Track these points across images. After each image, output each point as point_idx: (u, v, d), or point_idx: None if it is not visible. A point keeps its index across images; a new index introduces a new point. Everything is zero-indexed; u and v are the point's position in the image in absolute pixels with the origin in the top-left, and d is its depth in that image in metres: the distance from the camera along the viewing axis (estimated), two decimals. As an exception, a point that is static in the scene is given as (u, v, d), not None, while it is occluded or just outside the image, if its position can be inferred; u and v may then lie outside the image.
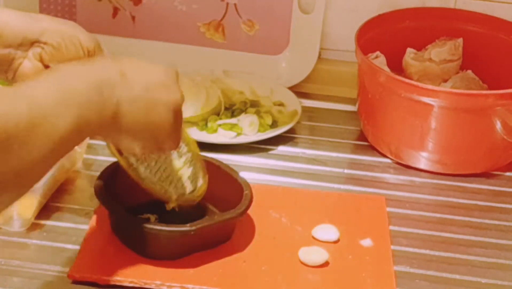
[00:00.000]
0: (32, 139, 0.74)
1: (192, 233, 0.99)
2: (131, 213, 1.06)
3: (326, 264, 1.03)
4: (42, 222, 1.07)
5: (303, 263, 1.03)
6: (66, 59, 0.93)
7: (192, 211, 1.06)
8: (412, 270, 1.04)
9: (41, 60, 0.93)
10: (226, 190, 1.07)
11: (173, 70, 0.94)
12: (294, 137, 1.30)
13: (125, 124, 0.86)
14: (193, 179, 1.02)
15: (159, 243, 1.01)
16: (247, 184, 1.06)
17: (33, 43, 0.92)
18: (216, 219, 1.03)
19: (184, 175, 1.02)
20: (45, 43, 0.92)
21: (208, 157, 1.10)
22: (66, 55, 0.93)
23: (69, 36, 0.93)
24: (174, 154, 1.01)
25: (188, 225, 0.99)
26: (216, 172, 1.06)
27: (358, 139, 1.31)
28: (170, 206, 1.08)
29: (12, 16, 0.92)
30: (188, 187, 1.02)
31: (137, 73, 0.88)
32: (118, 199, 1.02)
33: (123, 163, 0.99)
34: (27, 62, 0.93)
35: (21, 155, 0.73)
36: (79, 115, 0.78)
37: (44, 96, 0.76)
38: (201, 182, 1.03)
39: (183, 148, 1.01)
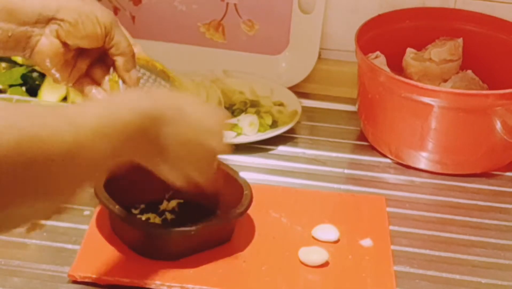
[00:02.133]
0: (70, 162, 0.73)
1: (192, 233, 0.99)
2: (131, 213, 1.07)
3: (326, 264, 1.03)
4: (42, 222, 1.07)
5: (303, 263, 1.03)
6: (83, 35, 0.93)
7: (192, 211, 1.06)
8: (412, 270, 1.04)
9: (58, 37, 0.93)
10: (226, 190, 1.07)
11: (222, 111, 0.96)
12: (294, 137, 1.30)
13: (165, 157, 0.86)
14: None
15: (159, 243, 1.01)
16: (247, 184, 1.06)
17: (49, 20, 0.92)
18: (216, 219, 1.03)
19: None
20: (61, 20, 0.92)
21: None
22: (83, 31, 0.93)
23: (86, 13, 0.93)
24: None
25: (188, 225, 0.99)
26: (216, 172, 1.06)
27: (358, 139, 1.31)
28: (170, 205, 1.08)
29: None
30: None
31: (190, 110, 0.88)
32: (118, 199, 1.02)
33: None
34: (44, 40, 0.93)
35: (59, 174, 0.73)
36: (116, 147, 0.78)
37: (87, 124, 0.76)
38: None
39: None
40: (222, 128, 0.92)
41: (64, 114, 0.75)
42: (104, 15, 0.94)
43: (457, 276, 1.04)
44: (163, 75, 1.02)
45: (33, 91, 1.28)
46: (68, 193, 0.77)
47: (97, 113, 0.78)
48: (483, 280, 1.04)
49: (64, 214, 1.08)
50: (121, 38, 0.96)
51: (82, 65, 0.97)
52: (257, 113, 1.29)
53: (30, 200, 0.72)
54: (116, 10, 1.43)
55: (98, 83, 0.99)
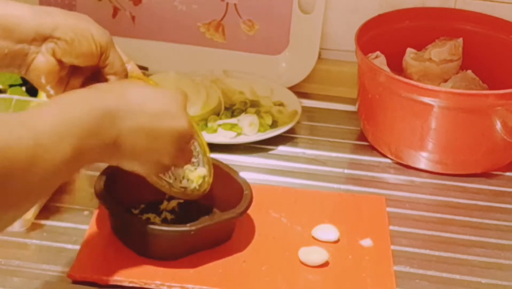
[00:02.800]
0: (32, 169, 0.74)
1: (192, 233, 0.99)
2: (131, 213, 1.07)
3: (326, 264, 1.03)
4: (42, 222, 1.07)
5: (303, 263, 1.03)
6: (78, 53, 0.93)
7: (192, 211, 1.06)
8: (412, 270, 1.04)
9: (54, 55, 0.93)
10: (226, 190, 1.07)
11: (182, 95, 0.94)
12: (294, 137, 1.30)
13: (126, 152, 0.87)
14: (198, 175, 1.03)
15: (159, 243, 1.01)
16: (247, 184, 1.06)
17: (46, 38, 0.92)
18: (216, 219, 1.03)
19: (190, 171, 1.02)
20: (58, 38, 0.92)
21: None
22: (79, 50, 0.93)
23: (82, 31, 0.93)
24: None
25: (188, 225, 0.99)
26: (216, 172, 1.06)
27: (358, 139, 1.31)
28: (170, 205, 1.08)
29: (24, 11, 0.91)
30: (193, 184, 1.02)
31: (141, 100, 0.88)
32: (118, 199, 1.02)
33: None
34: (41, 57, 0.93)
35: (20, 182, 0.73)
36: (79, 145, 0.79)
37: (45, 127, 0.76)
38: (206, 177, 1.03)
39: (196, 146, 1.02)
40: (178, 108, 0.92)
41: (21, 120, 0.76)
42: (100, 34, 0.94)
43: (457, 276, 1.04)
44: None
45: (33, 91, 1.28)
46: (32, 201, 0.78)
47: (53, 115, 0.78)
48: (483, 280, 1.04)
49: (64, 214, 1.09)
50: (116, 58, 0.96)
51: (75, 82, 0.97)
52: (257, 113, 1.29)
53: None
54: (116, 10, 1.43)
55: None
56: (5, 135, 0.72)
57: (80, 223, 1.07)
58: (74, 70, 0.96)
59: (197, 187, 1.02)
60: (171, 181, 1.00)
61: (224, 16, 1.41)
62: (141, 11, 1.43)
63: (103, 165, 1.08)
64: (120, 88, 0.91)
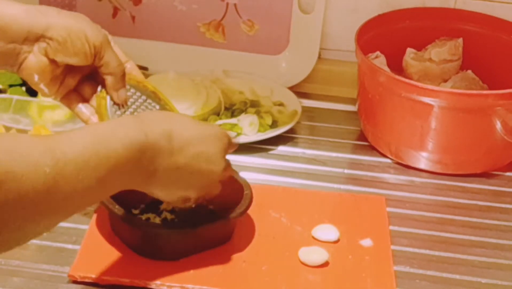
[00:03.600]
0: (50, 196, 0.72)
1: (192, 233, 0.99)
2: (131, 213, 1.06)
3: (326, 264, 1.03)
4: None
5: (303, 263, 1.03)
6: (71, 54, 0.93)
7: (192, 211, 1.06)
8: (412, 270, 1.04)
9: (46, 54, 0.93)
10: (226, 190, 1.06)
11: (225, 138, 0.94)
12: (294, 137, 1.30)
13: (157, 184, 0.87)
14: None
15: (159, 243, 1.01)
16: (247, 184, 1.06)
17: (38, 38, 0.92)
18: (216, 219, 1.03)
19: None
20: (50, 38, 0.92)
21: None
22: (71, 50, 0.93)
23: (75, 31, 0.92)
24: None
25: (188, 225, 0.99)
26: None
27: (358, 139, 1.31)
28: (170, 205, 1.08)
29: (17, 10, 0.91)
30: None
31: (185, 142, 0.88)
32: (118, 199, 1.02)
33: None
34: (32, 57, 0.93)
35: (32, 208, 0.72)
36: (104, 180, 0.78)
37: (72, 157, 0.74)
38: None
39: None
40: (218, 152, 0.92)
41: (47, 146, 0.73)
42: (94, 34, 0.93)
43: (457, 276, 1.04)
44: (154, 97, 1.01)
45: (33, 91, 1.28)
46: (49, 225, 0.76)
47: (84, 143, 0.76)
48: (483, 280, 1.04)
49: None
50: (112, 57, 0.96)
51: (71, 81, 0.97)
52: (257, 113, 1.29)
53: (5, 234, 0.72)
54: (116, 10, 1.43)
55: (86, 99, 0.99)
56: (25, 162, 0.70)
57: (80, 223, 1.07)
58: (69, 69, 0.96)
59: None
60: None
61: (224, 16, 1.41)
62: (141, 11, 1.43)
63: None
64: (165, 123, 0.88)
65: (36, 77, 0.94)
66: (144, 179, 0.85)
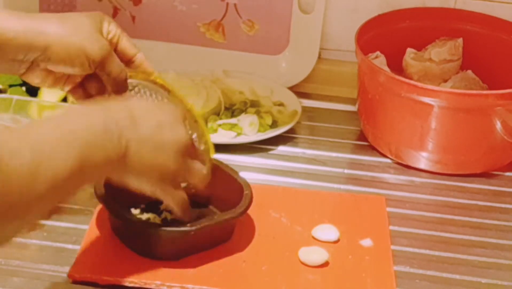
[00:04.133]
0: (32, 180, 0.74)
1: (192, 233, 0.99)
2: (131, 213, 1.06)
3: (326, 264, 1.03)
4: (42, 222, 1.07)
5: (303, 263, 1.03)
6: (71, 70, 0.93)
7: (192, 211, 1.05)
8: (412, 270, 1.04)
9: (45, 67, 0.93)
10: (226, 190, 1.07)
11: (179, 108, 0.96)
12: (294, 137, 1.30)
13: (132, 165, 0.87)
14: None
15: (159, 243, 1.01)
16: (247, 184, 1.06)
17: (37, 57, 0.92)
18: (216, 219, 1.03)
19: None
20: (49, 58, 0.91)
21: None
22: (71, 67, 0.93)
23: (75, 50, 0.92)
24: None
25: (188, 225, 0.99)
26: (216, 172, 1.06)
27: (358, 139, 1.31)
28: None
29: (16, 30, 0.89)
30: None
31: (144, 114, 0.89)
32: (118, 199, 1.02)
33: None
34: (30, 72, 0.94)
35: (21, 195, 0.73)
36: (80, 156, 0.79)
37: (45, 139, 0.77)
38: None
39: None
40: (176, 120, 0.92)
41: (19, 134, 0.76)
42: (94, 50, 0.93)
43: (457, 276, 1.04)
44: (163, 90, 1.01)
45: (33, 91, 1.28)
46: (35, 213, 0.77)
47: (53, 128, 0.79)
48: (483, 280, 1.04)
49: (64, 214, 1.09)
50: (113, 66, 0.96)
51: (76, 77, 0.97)
52: (257, 113, 1.29)
53: None
54: (116, 10, 1.43)
55: (91, 94, 0.99)
56: (8, 148, 0.72)
57: (80, 223, 1.07)
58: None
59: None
60: None
61: (224, 16, 1.41)
62: (141, 11, 1.43)
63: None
64: (122, 103, 0.91)
65: (38, 82, 0.95)
66: (119, 159, 0.85)
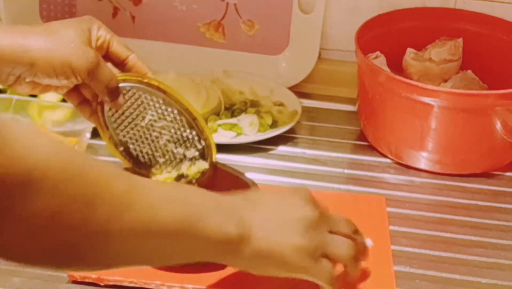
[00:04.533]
0: (120, 210, 0.69)
1: None
2: None
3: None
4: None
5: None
6: (58, 85, 0.93)
7: None
8: (412, 270, 1.04)
9: (32, 82, 0.92)
10: (228, 189, 1.05)
11: (305, 189, 0.90)
12: (294, 137, 1.30)
13: (259, 248, 0.82)
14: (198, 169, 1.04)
15: None
16: (253, 182, 1.05)
17: (22, 73, 0.91)
18: None
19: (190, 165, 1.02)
20: (35, 74, 0.91)
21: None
22: (57, 82, 0.92)
23: (61, 65, 0.90)
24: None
25: None
26: (220, 172, 1.05)
27: (358, 139, 1.31)
28: None
29: (1, 41, 0.88)
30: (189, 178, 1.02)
31: (273, 209, 0.85)
32: None
33: (121, 159, 1.00)
34: (18, 85, 0.93)
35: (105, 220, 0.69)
36: (190, 220, 0.75)
37: (153, 188, 0.74)
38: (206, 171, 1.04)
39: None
40: (306, 198, 0.89)
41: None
42: (80, 63, 0.91)
43: (457, 276, 1.04)
44: (158, 92, 1.01)
45: (33, 91, 1.28)
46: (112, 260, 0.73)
47: (173, 186, 0.79)
48: (483, 280, 1.04)
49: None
50: (102, 76, 0.94)
51: (66, 86, 0.96)
52: (257, 113, 1.29)
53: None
54: (116, 10, 1.43)
55: (86, 98, 0.99)
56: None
57: (80, 223, 1.07)
58: None
59: (194, 181, 1.02)
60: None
61: (224, 16, 1.41)
62: (141, 11, 1.43)
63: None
64: (250, 201, 0.85)
65: (27, 91, 0.95)
66: (239, 239, 0.80)
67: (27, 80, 0.92)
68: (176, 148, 1.03)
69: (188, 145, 1.03)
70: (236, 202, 0.82)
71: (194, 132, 1.02)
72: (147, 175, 1.02)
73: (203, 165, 1.03)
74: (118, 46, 0.97)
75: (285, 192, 0.90)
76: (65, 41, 0.91)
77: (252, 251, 0.81)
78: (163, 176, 1.03)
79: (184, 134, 1.03)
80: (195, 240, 0.76)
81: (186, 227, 0.74)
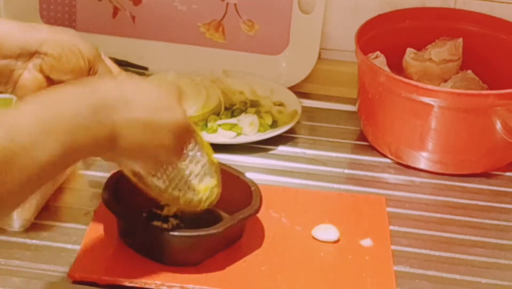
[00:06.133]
0: (10, 168, 0.72)
1: (219, 234, 0.98)
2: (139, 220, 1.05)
3: (326, 261, 1.03)
4: (42, 222, 1.07)
5: (303, 262, 1.03)
6: (66, 69, 0.92)
7: (198, 214, 1.04)
8: (412, 270, 1.04)
9: (41, 71, 0.92)
10: (230, 190, 1.05)
11: (175, 88, 0.92)
12: (294, 137, 1.30)
13: (123, 146, 0.84)
14: (204, 184, 1.00)
15: (183, 248, 1.00)
16: (252, 181, 1.05)
17: (32, 54, 0.91)
18: (237, 218, 1.01)
19: (195, 181, 0.99)
20: (45, 53, 0.91)
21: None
22: (66, 65, 0.92)
23: (69, 46, 0.91)
24: (186, 160, 0.98)
25: (212, 227, 0.98)
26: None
27: (358, 139, 1.31)
28: (171, 209, 1.07)
29: (10, 26, 0.90)
30: (199, 194, 0.99)
31: (136, 93, 0.86)
32: (127, 206, 1.01)
33: (127, 173, 0.97)
34: (27, 74, 0.92)
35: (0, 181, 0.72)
36: (65, 141, 0.77)
37: (24, 124, 0.75)
38: (215, 188, 1.00)
39: (196, 152, 0.98)
40: (174, 100, 0.89)
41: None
42: (87, 48, 0.92)
43: (457, 276, 1.04)
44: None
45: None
46: (20, 197, 0.76)
47: (36, 113, 0.77)
48: (483, 280, 1.04)
49: (64, 214, 1.09)
50: (105, 72, 0.94)
51: None
52: (257, 113, 1.29)
53: None
54: (116, 10, 1.43)
55: None
56: None
57: (80, 223, 1.07)
58: None
59: (204, 198, 0.99)
60: (163, 187, 0.97)
61: (224, 16, 1.41)
62: (141, 11, 1.43)
63: (103, 166, 1.08)
64: (113, 81, 0.89)
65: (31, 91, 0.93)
66: (107, 140, 0.82)
67: (35, 66, 0.91)
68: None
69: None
70: (110, 104, 0.83)
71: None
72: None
73: (212, 182, 1.01)
74: (109, 63, 0.97)
75: (156, 91, 0.89)
76: (71, 32, 0.94)
77: (118, 148, 0.84)
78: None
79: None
80: (71, 157, 0.80)
81: (62, 153, 0.77)
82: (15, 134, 0.73)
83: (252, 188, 1.04)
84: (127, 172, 0.95)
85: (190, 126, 0.93)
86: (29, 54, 0.91)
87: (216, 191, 1.00)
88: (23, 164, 0.73)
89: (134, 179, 0.96)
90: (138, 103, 0.85)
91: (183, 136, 0.92)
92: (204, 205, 1.00)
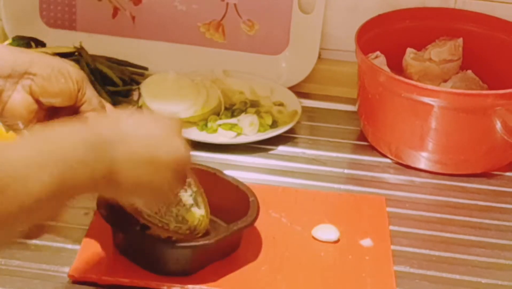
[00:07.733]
0: (4, 197, 0.71)
1: (212, 245, 0.97)
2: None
3: (326, 261, 1.03)
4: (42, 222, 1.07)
5: (303, 262, 1.03)
6: (56, 90, 0.91)
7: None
8: (412, 270, 1.04)
9: (31, 92, 0.91)
10: (228, 200, 1.05)
11: (174, 120, 0.91)
12: (294, 137, 1.30)
13: (122, 182, 0.83)
14: (193, 212, 0.98)
15: (178, 258, 0.99)
16: (251, 191, 1.05)
17: (22, 75, 0.90)
18: (232, 229, 1.00)
19: (184, 209, 0.97)
20: (34, 74, 0.90)
21: (204, 166, 1.08)
22: (56, 86, 0.91)
23: (58, 67, 0.91)
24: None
25: (206, 238, 0.97)
26: (216, 183, 1.05)
27: (358, 139, 1.31)
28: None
29: (0, 48, 0.91)
30: (189, 221, 0.97)
31: (135, 129, 0.85)
32: (121, 215, 1.00)
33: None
34: (17, 95, 0.90)
35: None
36: (60, 175, 0.75)
37: (18, 156, 0.74)
38: (202, 215, 0.98)
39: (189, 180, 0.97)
40: (176, 132, 0.89)
41: None
42: (75, 70, 0.92)
43: (457, 276, 1.04)
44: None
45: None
46: (10, 230, 0.75)
47: (32, 145, 0.76)
48: (483, 280, 1.04)
49: (64, 214, 1.09)
50: (93, 94, 0.94)
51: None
52: (257, 113, 1.29)
53: None
54: (116, 10, 1.43)
55: None
56: None
57: (80, 223, 1.07)
58: (51, 113, 0.94)
59: (192, 227, 0.97)
60: (151, 213, 0.96)
61: (224, 16, 1.41)
62: (141, 11, 1.43)
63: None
64: (111, 117, 0.89)
65: (20, 124, 0.92)
66: (105, 177, 0.81)
67: (24, 88, 0.90)
68: None
69: None
70: (106, 139, 0.81)
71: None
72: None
73: (200, 212, 1.00)
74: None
75: (155, 125, 0.88)
76: (60, 58, 0.94)
77: (116, 184, 0.83)
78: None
79: None
80: (67, 194, 0.78)
81: (57, 189, 0.75)
82: (8, 164, 0.72)
83: (251, 199, 1.03)
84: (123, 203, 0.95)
85: (190, 158, 0.91)
86: (19, 75, 0.90)
87: (205, 222, 0.98)
88: (16, 194, 0.72)
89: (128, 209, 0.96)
90: (137, 139, 0.84)
91: (184, 170, 0.91)
92: (194, 233, 0.98)
